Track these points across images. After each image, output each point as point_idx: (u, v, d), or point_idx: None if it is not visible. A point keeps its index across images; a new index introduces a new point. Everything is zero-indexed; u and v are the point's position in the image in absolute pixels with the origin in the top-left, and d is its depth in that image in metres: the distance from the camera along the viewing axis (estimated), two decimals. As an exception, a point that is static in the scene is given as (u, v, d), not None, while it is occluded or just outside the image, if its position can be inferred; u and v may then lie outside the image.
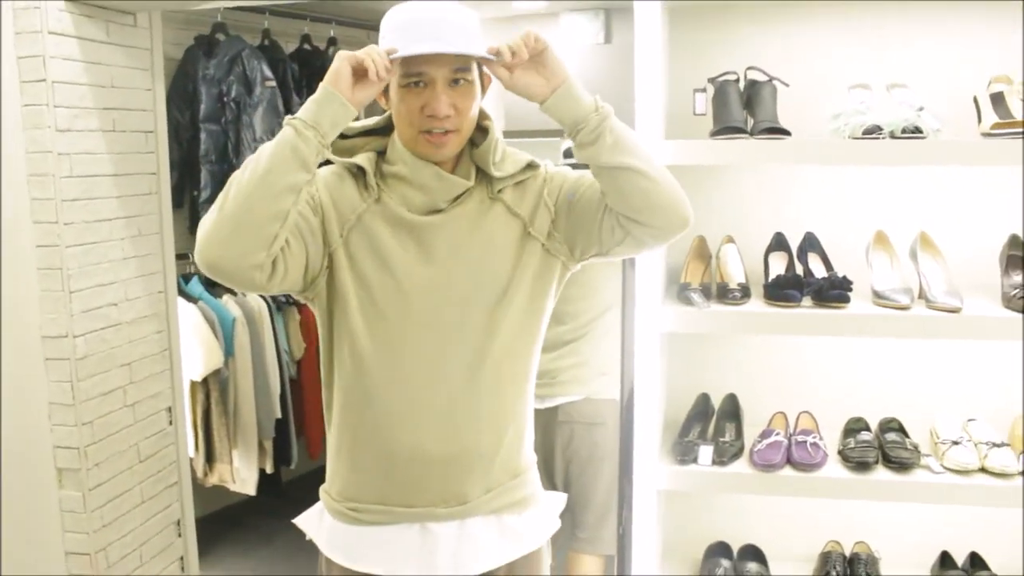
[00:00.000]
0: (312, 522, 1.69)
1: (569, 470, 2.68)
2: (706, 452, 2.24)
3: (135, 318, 2.93)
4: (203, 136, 3.46)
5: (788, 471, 2.19)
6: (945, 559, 2.37)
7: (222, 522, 3.85)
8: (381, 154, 1.61)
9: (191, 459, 3.36)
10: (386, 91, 1.55)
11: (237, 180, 1.42)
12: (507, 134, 3.64)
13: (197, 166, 3.50)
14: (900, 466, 2.16)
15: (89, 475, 2.76)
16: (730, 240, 2.38)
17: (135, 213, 2.93)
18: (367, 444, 1.58)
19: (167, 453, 3.11)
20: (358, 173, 1.58)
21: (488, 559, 1.62)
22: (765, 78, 2.24)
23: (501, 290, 1.58)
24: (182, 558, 3.21)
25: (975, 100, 2.17)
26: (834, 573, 2.33)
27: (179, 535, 3.19)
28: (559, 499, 1.79)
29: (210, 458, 3.44)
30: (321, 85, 1.45)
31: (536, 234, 1.60)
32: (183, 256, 3.43)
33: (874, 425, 2.34)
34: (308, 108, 1.44)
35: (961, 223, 2.30)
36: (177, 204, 3.55)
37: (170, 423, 3.12)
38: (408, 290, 1.54)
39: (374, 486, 1.59)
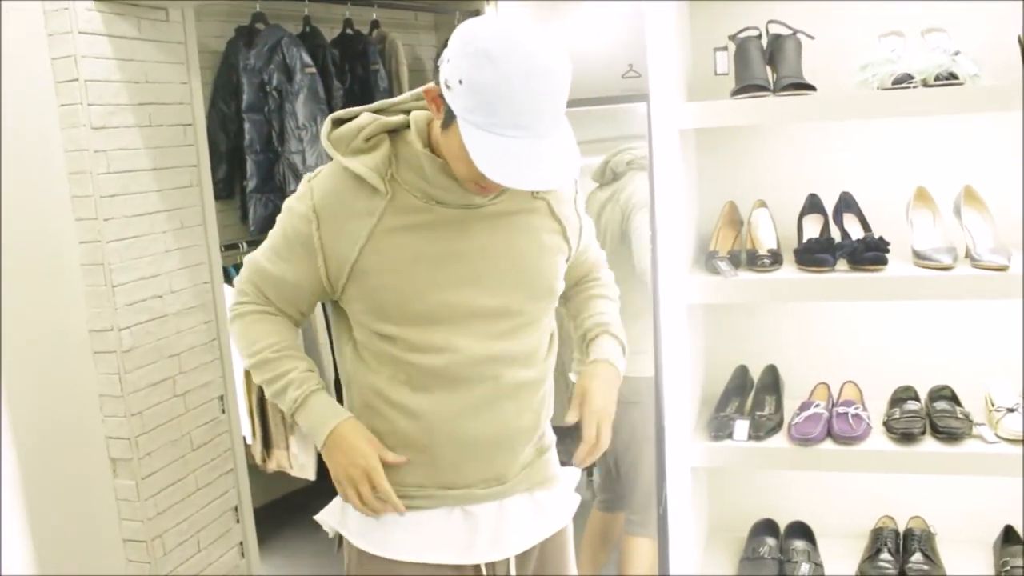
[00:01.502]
0: (335, 516, 1.65)
1: (616, 452, 2.63)
2: (742, 427, 2.15)
3: (181, 309, 2.98)
4: (247, 126, 3.48)
5: (828, 444, 2.09)
6: (1009, 533, 2.23)
7: (286, 509, 3.90)
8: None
9: (249, 446, 3.41)
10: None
11: (242, 350, 1.65)
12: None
13: (244, 157, 3.53)
14: (949, 436, 2.03)
15: (141, 464, 2.82)
16: (762, 204, 2.27)
17: (176, 206, 2.97)
18: (407, 431, 1.55)
19: (221, 441, 3.16)
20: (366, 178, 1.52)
21: (526, 537, 1.61)
22: (788, 32, 2.13)
23: (540, 285, 1.58)
24: (241, 543, 3.26)
25: (1019, 41, 2.01)
26: (886, 550, 2.21)
27: (237, 521, 3.24)
28: (575, 474, 1.76)
29: (267, 444, 3.48)
30: (327, 441, 1.55)
31: (570, 237, 1.64)
32: (233, 246, 3.47)
33: (924, 394, 2.21)
34: (307, 417, 1.57)
35: (1007, 175, 2.14)
36: (228, 195, 3.60)
37: (223, 411, 3.17)
38: (443, 283, 1.51)
39: (413, 470, 1.56)
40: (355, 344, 1.59)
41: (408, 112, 1.53)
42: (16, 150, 2.71)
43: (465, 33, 1.36)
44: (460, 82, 1.33)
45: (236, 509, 3.23)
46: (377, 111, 1.55)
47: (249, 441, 3.42)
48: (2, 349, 2.82)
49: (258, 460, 3.49)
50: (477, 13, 4.40)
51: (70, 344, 2.77)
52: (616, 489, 2.78)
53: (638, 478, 2.62)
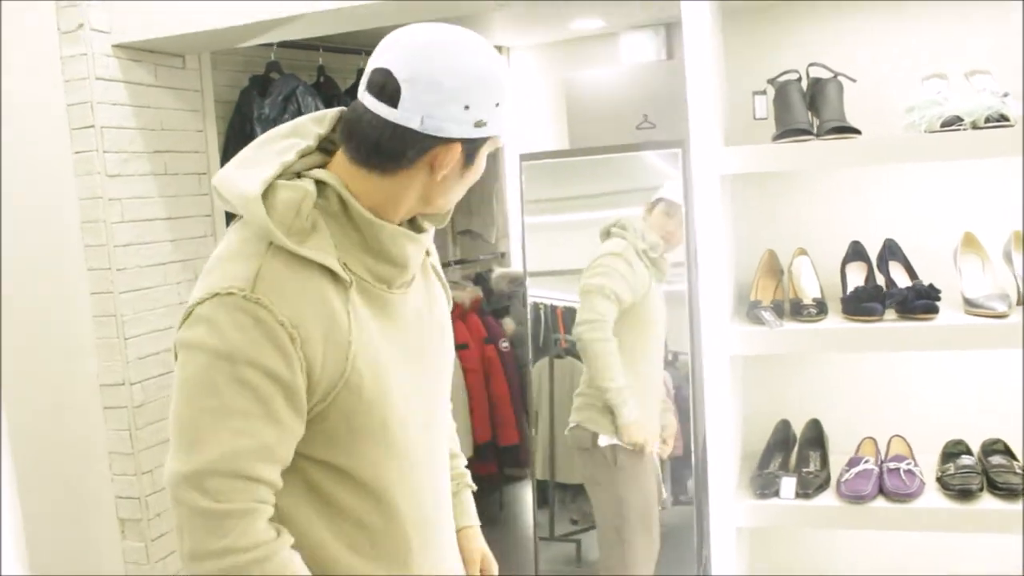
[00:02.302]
0: None
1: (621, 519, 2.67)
2: (788, 484, 2.05)
3: (193, 363, 2.88)
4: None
5: (881, 502, 1.99)
6: (1067, 595, 2.13)
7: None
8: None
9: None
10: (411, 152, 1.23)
11: None
12: (571, 152, 3.55)
13: (257, 207, 3.47)
14: (1009, 492, 1.94)
15: (151, 525, 2.71)
16: (802, 252, 2.20)
17: (190, 256, 2.90)
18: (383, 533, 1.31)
19: (232, 500, 3.04)
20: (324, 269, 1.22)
21: None
22: (829, 75, 2.07)
23: (450, 360, 1.46)
24: (252, 608, 3.12)
25: (1068, 83, 1.97)
26: (939, 613, 2.11)
27: (248, 584, 3.11)
28: None
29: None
30: None
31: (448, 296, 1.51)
32: (245, 299, 3.39)
33: (976, 448, 2.12)
34: None
35: (1060, 219, 2.08)
36: (240, 247, 3.52)
37: (234, 469, 3.06)
38: (405, 385, 1.29)
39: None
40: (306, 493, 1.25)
41: (298, 175, 1.25)
42: (30, 197, 2.65)
43: (452, 72, 1.19)
44: (494, 107, 1.23)
45: (246, 571, 3.11)
46: (276, 175, 1.22)
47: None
48: (9, 404, 2.73)
49: (268, 519, 3.37)
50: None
51: (80, 399, 2.68)
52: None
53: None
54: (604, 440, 2.75)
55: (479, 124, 1.22)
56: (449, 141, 1.21)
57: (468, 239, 4.57)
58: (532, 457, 3.29)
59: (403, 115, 1.19)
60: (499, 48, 4.46)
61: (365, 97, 1.22)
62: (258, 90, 3.50)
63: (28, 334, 2.69)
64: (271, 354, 1.13)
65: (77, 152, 2.60)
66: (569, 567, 3.46)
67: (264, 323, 1.13)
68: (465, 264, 4.46)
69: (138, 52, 2.71)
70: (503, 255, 4.69)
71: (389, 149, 1.21)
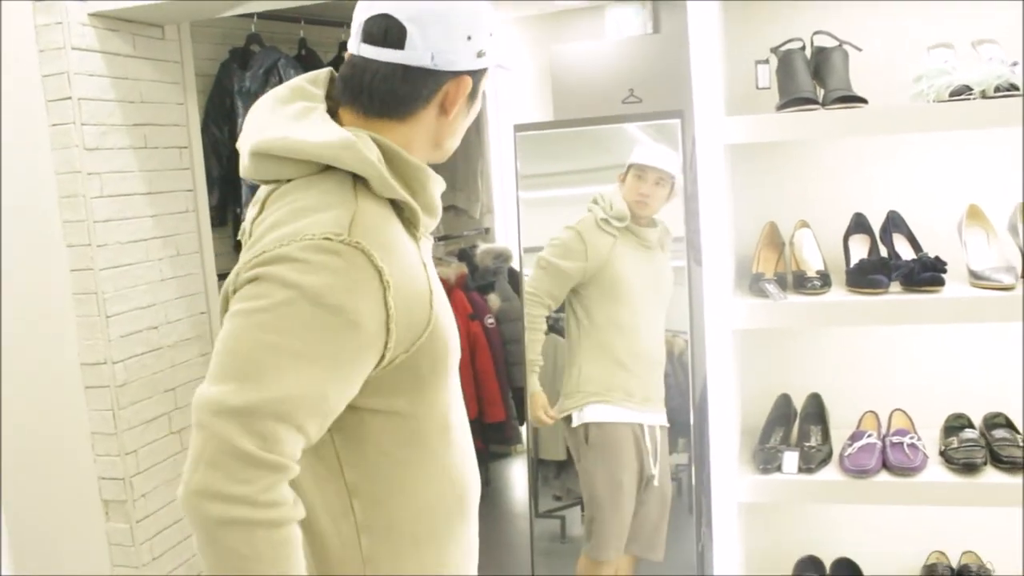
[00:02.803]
0: None
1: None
2: (791, 459, 2.03)
3: (177, 341, 2.82)
4: (242, 151, 3.34)
5: (884, 476, 1.97)
6: (1067, 568, 2.13)
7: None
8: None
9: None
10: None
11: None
12: (556, 124, 3.49)
13: (238, 183, 3.39)
14: (1012, 466, 1.92)
15: (136, 506, 2.64)
16: (804, 224, 2.17)
17: (172, 232, 2.82)
18: (459, 520, 1.31)
19: (218, 481, 2.99)
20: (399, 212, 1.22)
21: None
22: (834, 43, 2.03)
23: None
24: (238, 590, 3.08)
25: (1076, 52, 1.94)
26: (941, 587, 2.10)
27: (234, 566, 3.06)
28: None
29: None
30: None
31: None
32: (227, 276, 3.32)
33: (978, 421, 2.10)
34: None
35: (1067, 190, 2.06)
36: (221, 222, 3.44)
37: (219, 449, 3.00)
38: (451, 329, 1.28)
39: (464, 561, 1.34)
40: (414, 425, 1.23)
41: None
42: (5, 172, 2.56)
43: (452, 6, 1.19)
44: (489, 36, 1.24)
45: (233, 553, 3.06)
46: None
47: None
48: (-13, 385, 2.66)
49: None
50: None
51: (60, 378, 2.60)
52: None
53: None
54: (576, 419, 2.79)
55: (480, 55, 1.23)
56: (458, 75, 1.22)
57: (452, 215, 4.51)
58: (527, 434, 3.27)
59: (412, 55, 1.18)
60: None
61: (364, 49, 1.20)
62: (239, 63, 3.42)
63: (7, 313, 2.62)
64: (362, 302, 1.08)
65: (54, 124, 2.51)
66: (554, 543, 3.45)
67: (362, 269, 1.09)
68: (449, 240, 4.40)
69: (115, 21, 2.62)
70: (487, 231, 4.64)
71: (404, 92, 1.20)
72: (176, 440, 2.80)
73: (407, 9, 1.18)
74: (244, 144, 1.21)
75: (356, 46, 1.21)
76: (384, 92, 1.20)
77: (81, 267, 2.55)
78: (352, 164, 1.14)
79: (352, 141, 1.14)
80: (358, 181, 1.16)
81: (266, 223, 1.14)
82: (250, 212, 1.28)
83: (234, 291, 1.12)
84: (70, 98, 2.49)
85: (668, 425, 2.76)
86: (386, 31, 1.18)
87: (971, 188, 2.10)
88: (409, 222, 1.22)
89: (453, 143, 1.31)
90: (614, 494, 2.74)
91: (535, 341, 2.88)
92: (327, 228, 1.09)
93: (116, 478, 2.62)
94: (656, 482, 2.76)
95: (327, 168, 1.16)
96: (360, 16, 1.22)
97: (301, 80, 1.27)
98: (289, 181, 1.18)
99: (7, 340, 2.62)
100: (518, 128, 2.85)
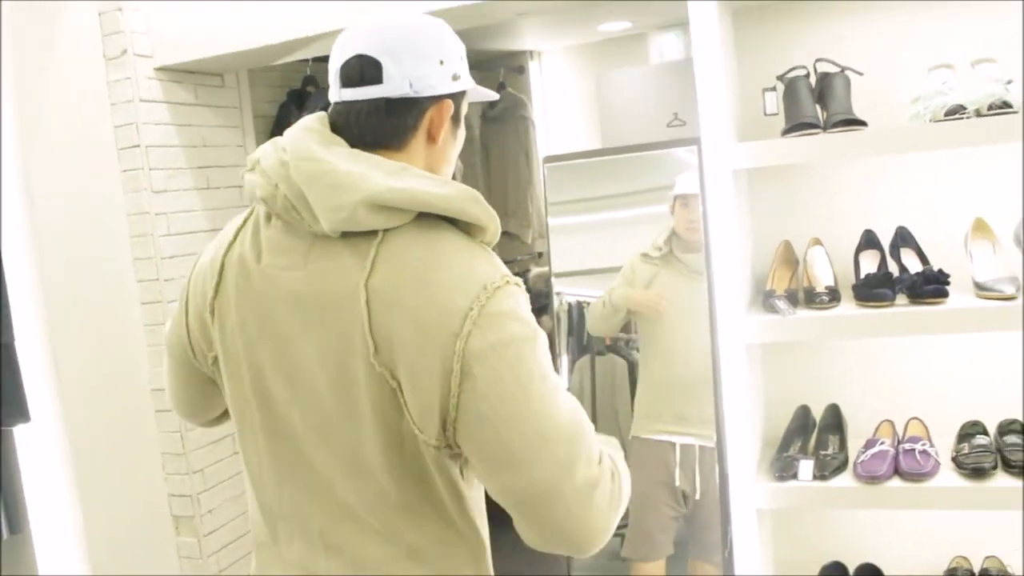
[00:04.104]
0: None
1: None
2: (806, 467, 2.12)
3: (240, 367, 3.02)
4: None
5: (896, 482, 2.05)
6: (1090, 572, 2.16)
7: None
8: None
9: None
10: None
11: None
12: (595, 153, 3.62)
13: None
14: (1022, 470, 1.98)
15: (203, 521, 2.84)
16: (817, 242, 2.27)
17: (233, 266, 3.03)
18: None
19: (280, 498, 3.18)
20: None
21: None
22: (836, 69, 2.14)
23: None
24: (302, 601, 3.25)
25: (1072, 68, 2.01)
26: (962, 591, 2.15)
27: (297, 578, 3.24)
28: None
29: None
30: None
31: None
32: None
33: (992, 429, 2.16)
34: None
35: (1068, 202, 2.12)
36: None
37: (281, 468, 3.19)
38: None
39: None
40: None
41: None
42: (83, 215, 2.80)
43: (419, 35, 1.25)
44: (461, 59, 1.29)
45: (295, 566, 3.24)
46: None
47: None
48: (68, 410, 2.89)
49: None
50: (521, 69, 4.49)
51: (134, 403, 2.82)
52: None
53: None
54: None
55: (455, 77, 1.27)
56: (439, 99, 1.25)
57: (505, 240, 4.66)
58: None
59: (391, 86, 1.21)
60: (530, 52, 4.56)
61: (345, 93, 1.23)
62: (296, 104, 3.64)
63: (84, 343, 2.85)
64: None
65: (124, 171, 2.74)
66: (613, 561, 3.54)
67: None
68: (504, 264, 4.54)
69: (178, 73, 2.85)
70: (540, 255, 4.78)
71: (391, 123, 1.23)
72: (239, 460, 2.98)
73: (378, 45, 1.22)
74: (332, 196, 1.16)
75: (337, 93, 1.25)
76: (374, 126, 1.22)
77: (150, 300, 2.77)
78: (479, 216, 1.20)
79: (476, 194, 1.21)
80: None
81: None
82: (277, 260, 1.23)
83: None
84: (139, 146, 2.72)
85: (709, 445, 2.85)
86: (362, 70, 1.21)
87: (976, 202, 2.17)
88: None
89: (448, 171, 1.34)
90: (637, 501, 2.87)
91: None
92: (499, 272, 1.18)
93: (184, 495, 2.82)
94: (697, 495, 2.86)
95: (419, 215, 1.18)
96: (335, 64, 1.25)
97: (312, 124, 1.25)
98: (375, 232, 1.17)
99: (86, 369, 2.85)
100: (548, 160, 2.99)
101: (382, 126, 1.23)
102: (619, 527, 3.08)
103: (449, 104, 1.27)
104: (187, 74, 2.88)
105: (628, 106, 4.10)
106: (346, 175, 1.15)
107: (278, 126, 3.65)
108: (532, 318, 1.17)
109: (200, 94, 2.94)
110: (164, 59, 2.76)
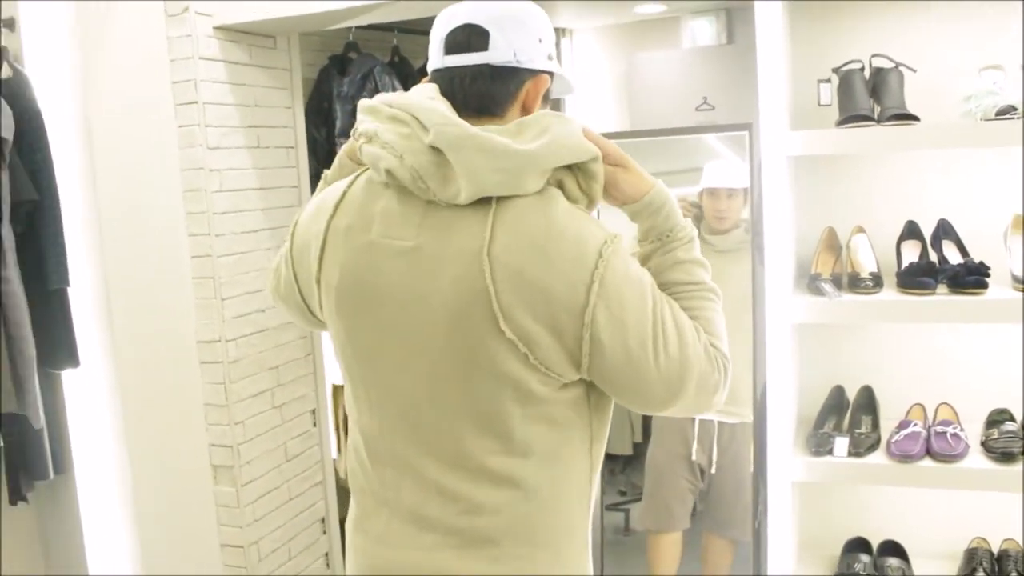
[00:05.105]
0: None
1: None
2: (841, 443, 2.22)
3: (280, 324, 3.09)
4: (339, 151, 3.61)
5: (927, 462, 2.15)
6: (1102, 556, 2.27)
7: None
8: None
9: (334, 460, 3.51)
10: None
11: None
12: (636, 134, 3.70)
13: (332, 180, 3.66)
14: (1048, 457, 2.09)
15: (242, 472, 2.92)
16: (860, 230, 2.36)
17: (278, 224, 3.10)
18: None
19: (312, 453, 3.26)
20: None
21: None
22: (891, 65, 2.22)
23: None
24: (327, 555, 3.35)
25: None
26: (981, 571, 2.26)
27: (324, 532, 3.33)
28: None
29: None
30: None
31: None
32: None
33: (1020, 416, 2.26)
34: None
35: (1107, 203, 2.21)
36: (317, 217, 3.73)
37: (314, 424, 3.27)
38: None
39: None
40: None
41: None
42: (138, 167, 2.86)
43: (523, 12, 1.31)
44: (553, 43, 1.34)
45: (323, 520, 3.33)
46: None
47: (335, 456, 3.52)
48: (118, 359, 2.97)
49: (342, 474, 3.59)
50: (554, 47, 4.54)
51: (180, 354, 2.89)
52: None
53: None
54: None
55: (550, 57, 1.33)
56: (537, 73, 1.31)
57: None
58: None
59: (496, 54, 1.27)
60: (562, 30, 4.61)
61: (448, 60, 1.29)
62: (337, 69, 3.69)
63: (135, 292, 2.92)
64: None
65: (181, 126, 2.80)
66: (618, 535, 3.65)
67: None
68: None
69: (235, 33, 2.90)
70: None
71: (495, 89, 1.29)
72: (277, 414, 3.08)
73: (487, 14, 1.28)
74: (486, 160, 1.20)
75: (439, 60, 1.30)
76: (479, 90, 1.28)
77: (201, 254, 2.83)
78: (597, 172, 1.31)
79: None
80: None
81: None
82: (391, 229, 1.29)
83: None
84: (196, 103, 2.78)
85: (729, 421, 2.95)
86: (469, 38, 1.28)
87: (1016, 199, 2.26)
88: None
89: None
90: (651, 474, 3.00)
91: None
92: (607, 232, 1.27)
93: (225, 445, 2.90)
94: (713, 469, 2.97)
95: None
96: (440, 32, 1.31)
97: (437, 93, 1.30)
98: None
99: (136, 320, 2.92)
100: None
101: (487, 91, 1.29)
102: (632, 499, 3.18)
103: (545, 79, 1.32)
104: (243, 34, 2.93)
105: (658, 89, 4.17)
106: (490, 140, 1.20)
107: (317, 89, 3.71)
108: (633, 262, 1.27)
109: (254, 55, 2.99)
110: (223, 18, 2.81)
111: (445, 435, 1.30)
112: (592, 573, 1.40)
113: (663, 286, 1.31)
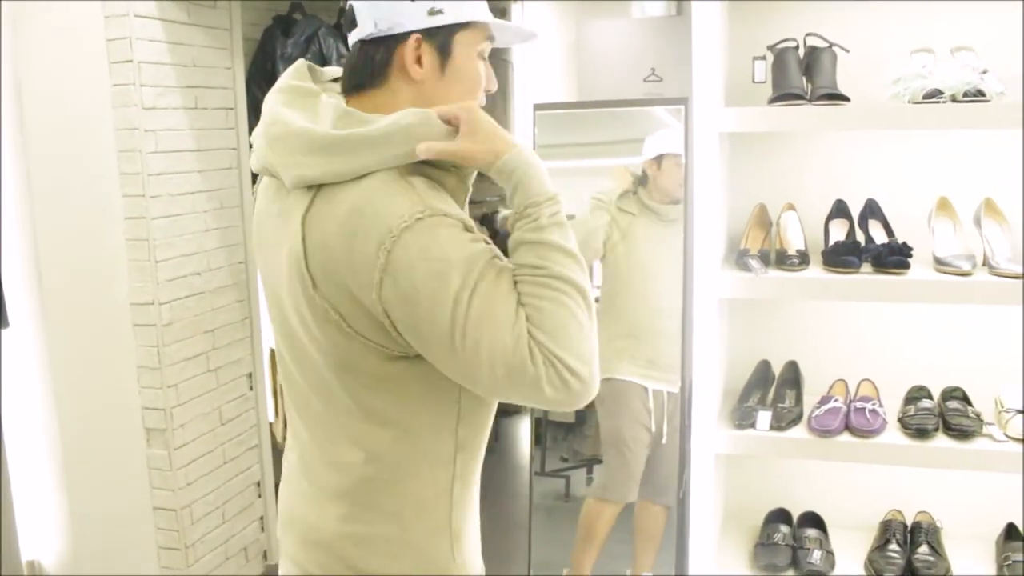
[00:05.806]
0: None
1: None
2: (764, 417, 2.26)
3: (217, 287, 3.07)
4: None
5: (846, 437, 2.20)
6: (1011, 531, 2.35)
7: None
8: None
9: (271, 424, 3.50)
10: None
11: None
12: (582, 104, 3.71)
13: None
14: (960, 434, 2.14)
15: (174, 435, 2.91)
16: (790, 207, 2.39)
17: (216, 187, 3.07)
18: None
19: (248, 417, 3.26)
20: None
21: None
22: (824, 44, 2.24)
23: None
24: (262, 518, 3.36)
25: (1043, 62, 2.14)
26: (894, 542, 2.32)
27: (259, 496, 3.34)
28: None
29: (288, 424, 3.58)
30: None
31: None
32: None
33: (937, 394, 2.32)
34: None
35: (1027, 189, 2.26)
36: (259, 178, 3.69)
37: (251, 388, 3.27)
38: None
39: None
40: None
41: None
42: (70, 126, 2.81)
43: None
44: None
45: (258, 484, 3.34)
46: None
47: (271, 420, 3.52)
48: (48, 321, 2.93)
49: (279, 438, 3.59)
50: (504, 12, 4.52)
51: (112, 316, 2.87)
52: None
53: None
54: None
55: (433, 12, 1.27)
56: (405, 36, 1.27)
57: (476, 180, 4.73)
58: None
59: (362, 29, 1.28)
60: (513, -2, 4.59)
61: (350, 42, 1.33)
62: (281, 30, 3.64)
63: (68, 253, 2.88)
64: None
65: (116, 85, 2.75)
66: (558, 501, 3.69)
67: None
68: (472, 205, 4.62)
69: (174, -10, 2.86)
70: (509, 198, 4.85)
71: (360, 63, 1.30)
72: (212, 378, 3.06)
73: None
74: (286, 154, 1.25)
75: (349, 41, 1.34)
76: (350, 66, 1.32)
77: (135, 215, 2.80)
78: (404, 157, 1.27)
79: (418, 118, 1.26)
80: None
81: None
82: (270, 211, 1.35)
83: None
84: (131, 61, 2.73)
85: (675, 391, 3.00)
86: (348, 18, 1.30)
87: (942, 182, 2.30)
88: None
89: (473, 89, 1.36)
90: (618, 444, 3.00)
91: None
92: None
93: (158, 408, 2.89)
94: (664, 440, 3.01)
95: None
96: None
97: (293, 78, 1.35)
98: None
99: (68, 281, 2.89)
100: (538, 107, 3.06)
101: (358, 67, 1.31)
102: (574, 466, 3.20)
103: (418, 40, 1.28)
104: (182, -8, 2.88)
105: (606, 58, 4.18)
106: (297, 133, 1.23)
107: (261, 50, 3.66)
108: (452, 239, 1.18)
109: (192, 13, 2.95)
110: (161, -25, 2.76)
111: (313, 394, 1.34)
112: (459, 562, 1.36)
113: (517, 267, 1.22)
